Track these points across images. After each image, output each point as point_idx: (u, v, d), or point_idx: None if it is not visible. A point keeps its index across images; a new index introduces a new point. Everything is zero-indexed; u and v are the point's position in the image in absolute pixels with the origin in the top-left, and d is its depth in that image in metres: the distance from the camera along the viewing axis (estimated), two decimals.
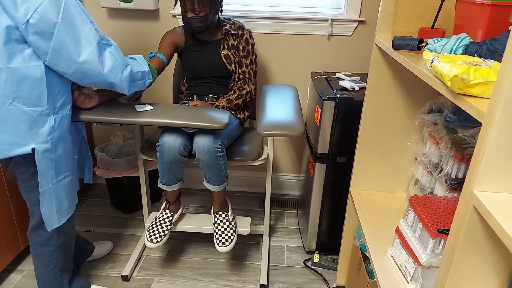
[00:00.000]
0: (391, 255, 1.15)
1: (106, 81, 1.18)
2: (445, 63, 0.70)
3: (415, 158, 1.37)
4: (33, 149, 1.14)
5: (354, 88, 1.67)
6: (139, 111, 1.34)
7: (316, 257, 1.85)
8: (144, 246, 1.92)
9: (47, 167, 1.18)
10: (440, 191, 1.18)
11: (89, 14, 1.15)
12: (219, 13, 1.69)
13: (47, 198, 1.22)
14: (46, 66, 1.10)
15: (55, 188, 1.23)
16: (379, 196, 1.46)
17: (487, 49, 0.84)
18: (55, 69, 1.11)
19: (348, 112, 1.59)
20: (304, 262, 1.88)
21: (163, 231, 1.62)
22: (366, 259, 1.40)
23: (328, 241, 1.88)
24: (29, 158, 1.16)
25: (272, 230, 2.09)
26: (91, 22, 1.13)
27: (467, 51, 0.88)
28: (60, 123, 1.18)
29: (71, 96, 1.24)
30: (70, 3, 1.07)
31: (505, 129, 0.56)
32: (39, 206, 1.23)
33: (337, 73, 1.87)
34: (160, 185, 1.58)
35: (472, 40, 0.90)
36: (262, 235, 2.01)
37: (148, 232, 1.61)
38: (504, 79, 0.55)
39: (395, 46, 1.05)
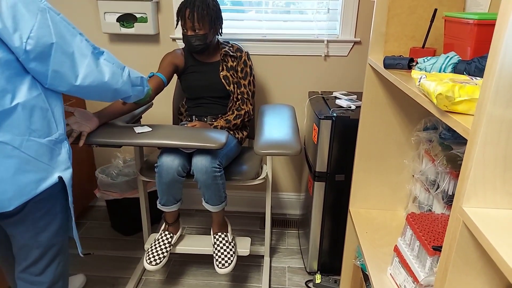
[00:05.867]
0: (390, 274, 1.14)
1: (110, 89, 1.15)
2: (432, 81, 0.72)
3: (413, 176, 1.37)
4: (60, 177, 1.09)
5: (350, 107, 1.68)
6: (138, 133, 1.36)
7: (318, 278, 1.82)
8: (144, 269, 1.90)
9: (71, 191, 1.14)
10: (438, 208, 1.17)
11: (89, 38, 1.15)
12: (218, 35, 1.73)
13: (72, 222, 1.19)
14: (46, 94, 1.06)
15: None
16: (378, 214, 1.45)
17: (475, 67, 0.85)
18: (57, 90, 1.07)
19: (345, 131, 1.61)
20: (305, 283, 1.85)
21: (163, 253, 1.61)
22: (367, 279, 1.38)
23: (330, 261, 1.85)
24: (47, 193, 1.09)
25: (273, 251, 2.07)
26: (80, 34, 1.09)
27: (456, 69, 0.90)
28: (69, 146, 1.15)
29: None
30: (56, 19, 1.02)
31: (490, 145, 0.57)
32: (46, 247, 1.15)
33: (334, 93, 1.90)
34: (159, 206, 1.59)
35: (461, 58, 0.91)
36: (263, 256, 1.99)
37: (147, 254, 1.60)
38: (486, 95, 0.56)
39: (387, 66, 1.07)
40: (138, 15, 1.97)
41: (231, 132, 1.73)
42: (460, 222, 0.61)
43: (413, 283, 1.00)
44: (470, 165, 0.59)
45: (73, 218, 1.18)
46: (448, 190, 1.11)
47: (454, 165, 1.10)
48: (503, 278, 0.64)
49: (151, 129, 1.40)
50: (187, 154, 1.50)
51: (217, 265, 1.57)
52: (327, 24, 2.03)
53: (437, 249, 0.91)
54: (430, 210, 1.23)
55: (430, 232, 1.00)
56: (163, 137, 1.36)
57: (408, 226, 1.06)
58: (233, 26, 2.07)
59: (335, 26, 2.03)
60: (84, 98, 1.15)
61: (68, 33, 1.05)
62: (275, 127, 1.59)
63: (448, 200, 1.11)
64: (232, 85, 1.73)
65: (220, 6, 1.68)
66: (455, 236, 0.63)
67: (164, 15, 2.04)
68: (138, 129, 1.38)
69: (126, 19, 1.98)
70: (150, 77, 1.62)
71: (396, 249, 1.11)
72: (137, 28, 1.99)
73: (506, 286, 0.65)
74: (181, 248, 1.72)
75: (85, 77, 1.07)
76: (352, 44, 2.01)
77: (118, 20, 1.98)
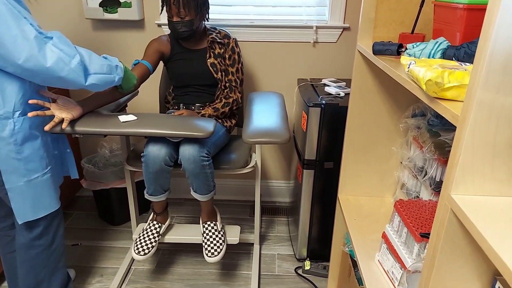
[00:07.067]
0: (378, 260, 1.14)
1: (55, 76, 1.13)
2: (421, 67, 0.70)
3: (401, 163, 1.37)
4: None
5: (339, 94, 1.67)
6: (123, 122, 1.32)
7: (307, 265, 1.83)
8: (133, 259, 1.89)
9: (13, 167, 1.19)
10: (426, 194, 1.18)
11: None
12: (205, 21, 1.69)
13: (18, 195, 1.23)
14: None
15: (30, 186, 1.23)
16: (366, 201, 1.45)
17: (464, 52, 0.84)
18: (6, 70, 1.11)
19: (334, 118, 1.60)
20: (295, 270, 1.86)
21: (151, 242, 1.59)
22: (355, 265, 1.39)
23: (319, 248, 1.87)
24: None
25: (262, 238, 2.07)
26: (25, 17, 1.08)
27: (445, 55, 0.89)
28: (22, 125, 1.18)
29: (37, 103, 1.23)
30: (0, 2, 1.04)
31: (479, 132, 0.56)
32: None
33: (323, 80, 1.88)
34: (146, 196, 1.56)
35: (450, 44, 0.90)
36: (252, 244, 1.99)
37: (135, 244, 1.58)
38: (476, 81, 0.55)
39: (376, 52, 1.05)
40: (121, 0, 1.91)
41: (220, 121, 1.71)
42: (448, 209, 0.61)
43: (401, 269, 1.01)
44: (459, 152, 0.58)
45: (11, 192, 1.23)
46: (435, 176, 1.12)
47: (442, 151, 1.10)
48: (491, 265, 0.65)
49: (136, 117, 1.37)
50: (174, 143, 1.47)
51: (206, 254, 1.57)
52: (316, 9, 2.00)
53: (425, 236, 0.92)
54: (417, 197, 1.24)
55: (417, 218, 1.00)
56: (149, 126, 1.33)
57: (396, 213, 1.07)
58: (220, 12, 2.02)
59: (324, 12, 2.00)
60: (34, 81, 1.17)
61: (10, 16, 1.06)
62: (264, 115, 1.57)
63: (436, 186, 1.11)
64: (219, 73, 1.70)
65: None
66: (443, 223, 0.62)
67: (149, 0, 1.98)
68: (122, 118, 1.34)
69: (110, 4, 1.92)
70: (135, 64, 1.58)
71: (384, 236, 1.11)
72: (121, 14, 1.93)
73: (494, 273, 0.66)
74: (170, 238, 1.70)
75: (26, 61, 1.08)
76: (341, 30, 1.99)
77: (101, 5, 1.91)
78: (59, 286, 1.45)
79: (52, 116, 1.26)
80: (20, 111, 1.17)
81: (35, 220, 1.30)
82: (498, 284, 0.65)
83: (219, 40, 1.70)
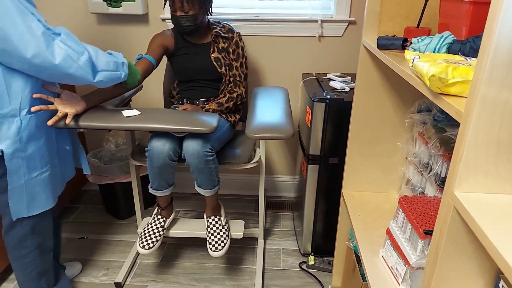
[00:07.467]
0: (382, 256, 1.14)
1: (63, 73, 1.13)
2: (425, 62, 0.69)
3: (406, 158, 1.36)
4: (1, 151, 1.15)
5: (344, 89, 1.66)
6: (126, 117, 1.33)
7: (312, 260, 1.83)
8: (138, 253, 1.90)
9: (17, 166, 1.19)
10: (431, 190, 1.17)
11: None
12: (209, 15, 1.68)
13: (17, 194, 1.23)
14: (4, 69, 1.09)
15: (29, 184, 1.23)
16: (371, 196, 1.44)
17: (470, 47, 0.83)
18: (12, 67, 1.10)
19: (339, 113, 1.58)
20: (299, 264, 1.86)
21: (155, 236, 1.61)
22: (360, 261, 1.39)
23: (323, 243, 1.87)
24: None
25: (267, 233, 2.08)
26: (32, 13, 1.08)
27: (450, 49, 0.87)
28: (29, 123, 1.18)
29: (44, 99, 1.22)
30: None
31: (483, 128, 0.55)
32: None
33: (328, 74, 1.86)
34: (150, 191, 1.57)
35: (455, 38, 0.89)
36: (257, 238, 1.99)
37: (140, 238, 1.60)
38: (480, 76, 0.54)
39: (380, 46, 1.04)
40: None
41: (224, 116, 1.71)
42: (451, 207, 0.60)
43: (405, 265, 1.01)
44: (462, 149, 0.57)
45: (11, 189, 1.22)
46: (440, 172, 1.10)
47: (447, 147, 1.08)
48: (494, 264, 0.64)
49: (140, 112, 1.37)
50: (178, 138, 1.47)
51: (210, 249, 1.58)
52: (321, 3, 1.98)
53: (428, 233, 0.91)
54: (423, 193, 1.23)
55: (422, 215, 1.00)
56: (152, 121, 1.33)
57: (400, 209, 1.06)
58: (224, 5, 2.01)
59: (329, 6, 1.98)
60: (41, 77, 1.17)
61: (17, 12, 1.05)
62: (268, 110, 1.57)
63: (441, 182, 1.10)
64: (223, 67, 1.70)
65: None
66: (446, 221, 0.62)
67: None
68: (126, 113, 1.35)
69: None
70: (138, 59, 1.58)
71: (388, 232, 1.11)
72: (125, 8, 1.93)
73: (497, 271, 0.65)
74: (175, 232, 1.72)
75: (34, 57, 1.08)
76: (347, 24, 1.97)
77: None
78: (50, 286, 1.45)
79: (57, 111, 1.26)
80: (27, 109, 1.17)
81: (24, 219, 1.29)
82: (501, 283, 0.65)
83: (223, 34, 1.69)
